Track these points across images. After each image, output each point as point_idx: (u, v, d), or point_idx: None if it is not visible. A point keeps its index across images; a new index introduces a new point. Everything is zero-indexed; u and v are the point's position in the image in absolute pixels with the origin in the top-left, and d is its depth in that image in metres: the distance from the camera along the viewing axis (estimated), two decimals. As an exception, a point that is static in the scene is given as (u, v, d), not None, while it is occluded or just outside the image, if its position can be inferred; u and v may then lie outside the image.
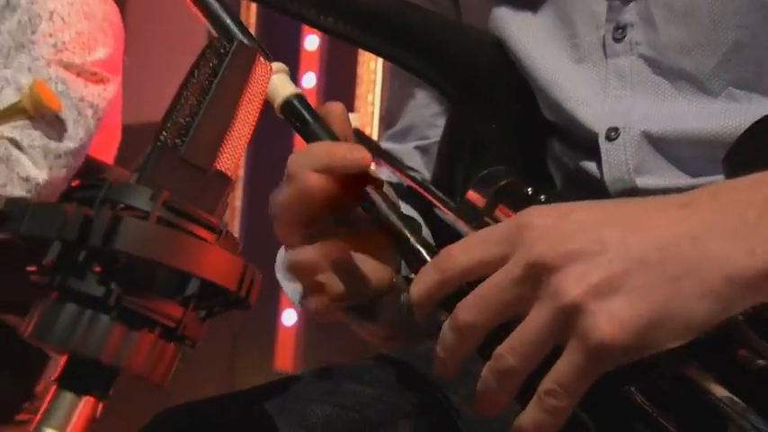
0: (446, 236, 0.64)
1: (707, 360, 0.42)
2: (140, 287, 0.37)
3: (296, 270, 0.59)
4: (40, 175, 1.06)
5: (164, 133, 0.40)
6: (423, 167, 0.84)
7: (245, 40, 0.59)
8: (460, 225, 0.62)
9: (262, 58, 0.44)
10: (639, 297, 0.38)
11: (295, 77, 2.96)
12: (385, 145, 0.88)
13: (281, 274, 0.68)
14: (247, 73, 0.42)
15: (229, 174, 0.41)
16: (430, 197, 0.66)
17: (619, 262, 0.39)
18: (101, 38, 1.18)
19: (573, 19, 0.73)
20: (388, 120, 0.91)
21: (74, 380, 0.38)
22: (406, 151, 0.85)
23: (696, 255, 0.39)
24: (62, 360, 0.38)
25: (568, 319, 0.38)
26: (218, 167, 0.41)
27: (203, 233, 0.38)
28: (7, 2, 1.15)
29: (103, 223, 0.34)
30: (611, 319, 0.37)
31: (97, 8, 1.20)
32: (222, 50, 0.42)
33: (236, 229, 3.00)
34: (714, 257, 0.38)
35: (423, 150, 0.85)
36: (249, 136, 0.42)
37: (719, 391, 0.41)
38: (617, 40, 0.70)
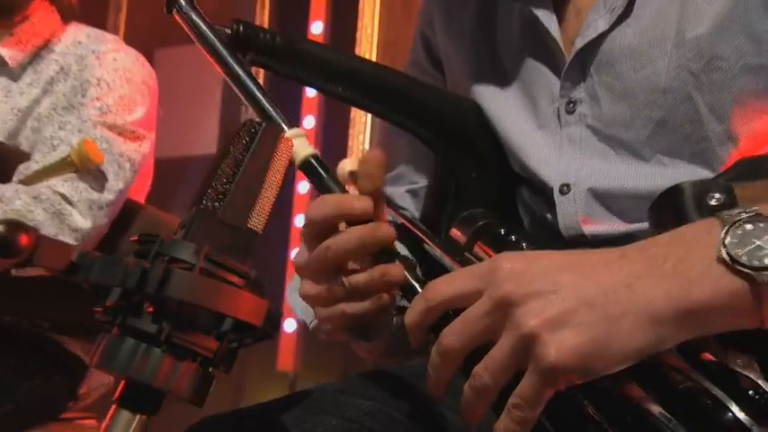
0: (432, 265, 0.68)
1: (646, 381, 0.45)
2: (185, 325, 0.41)
3: (311, 301, 0.64)
4: (86, 224, 1.10)
5: (205, 198, 0.44)
6: (413, 208, 0.87)
7: (274, 113, 0.64)
8: (445, 258, 0.64)
9: (285, 136, 0.48)
10: (584, 331, 0.41)
11: (297, 119, 3.00)
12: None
13: (293, 297, 0.71)
14: (273, 149, 0.46)
15: (258, 230, 0.45)
16: (420, 234, 0.69)
17: (569, 301, 0.42)
18: (139, 99, 1.22)
19: (534, 94, 0.77)
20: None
21: (131, 401, 0.41)
22: (398, 194, 0.89)
23: (628, 299, 0.42)
24: (121, 384, 0.41)
25: (527, 346, 0.42)
26: (249, 226, 0.45)
27: (236, 280, 0.42)
28: (61, 67, 1.20)
29: (158, 274, 0.38)
30: (559, 347, 0.41)
31: (137, 72, 1.24)
32: (253, 130, 0.46)
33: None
34: (642, 301, 0.42)
35: (413, 193, 0.87)
36: (274, 198, 0.46)
37: (655, 408, 0.44)
38: (569, 113, 0.73)
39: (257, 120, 0.47)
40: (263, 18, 3.42)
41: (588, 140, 0.72)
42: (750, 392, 0.43)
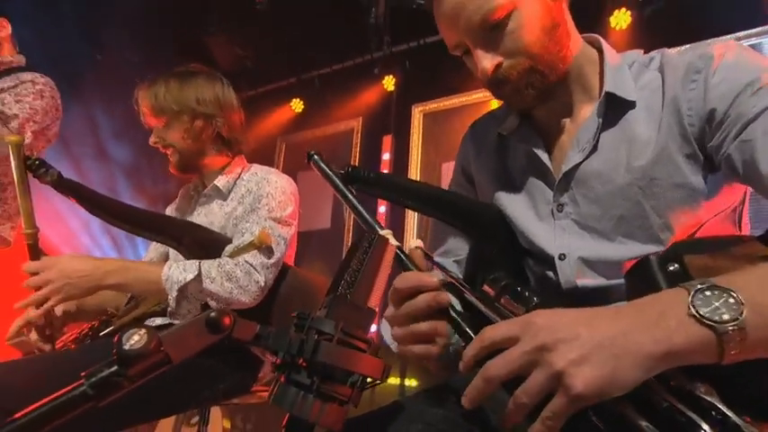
0: (472, 310, 0.65)
1: (635, 402, 0.42)
2: (329, 378, 0.39)
3: (397, 340, 0.62)
4: (262, 279, 1.13)
5: (340, 287, 0.43)
6: (457, 271, 0.85)
7: (369, 219, 0.67)
8: (481, 305, 0.62)
9: (390, 243, 0.47)
10: (599, 367, 0.40)
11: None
12: (436, 259, 0.88)
13: (384, 330, 0.69)
14: (383, 252, 0.45)
15: (375, 308, 0.44)
16: (463, 289, 0.66)
17: (587, 347, 0.41)
18: (289, 202, 1.27)
19: (536, 199, 0.77)
20: (434, 243, 0.92)
21: (293, 428, 0.40)
22: (448, 263, 0.86)
23: (627, 343, 0.41)
24: (287, 416, 0.40)
25: (558, 378, 0.40)
26: (369, 305, 0.43)
27: (362, 345, 0.40)
28: (247, 189, 1.28)
29: (311, 344, 0.37)
30: (584, 380, 0.39)
31: (287, 188, 1.29)
32: (370, 239, 0.46)
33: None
34: (636, 345, 0.40)
35: (458, 263, 0.86)
36: (384, 286, 0.45)
37: (641, 421, 0.42)
38: (559, 211, 0.73)
39: (373, 233, 0.47)
40: (356, 152, 3.62)
41: (572, 228, 0.72)
42: (713, 413, 0.41)
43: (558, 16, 0.69)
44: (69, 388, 0.37)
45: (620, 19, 2.69)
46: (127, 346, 0.35)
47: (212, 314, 0.38)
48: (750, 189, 0.68)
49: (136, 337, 0.35)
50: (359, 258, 0.45)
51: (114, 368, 0.36)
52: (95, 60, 3.61)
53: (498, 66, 0.68)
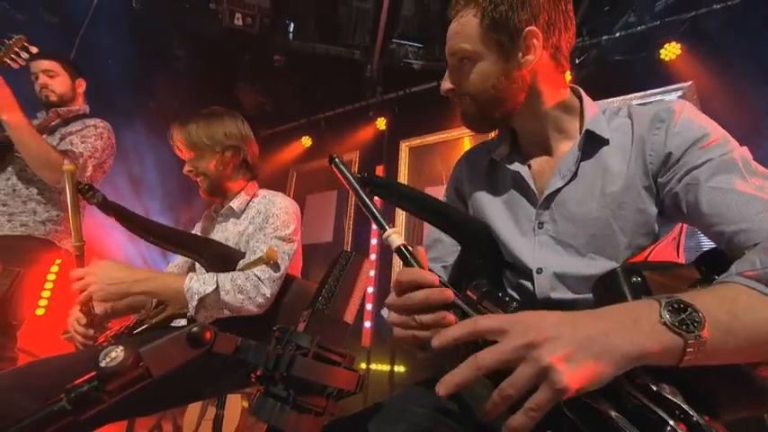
0: (456, 313, 0.58)
1: (609, 397, 0.40)
2: (305, 390, 0.33)
3: (394, 325, 0.54)
4: (268, 291, 1.06)
5: (317, 302, 0.37)
6: (444, 276, 0.79)
7: (380, 219, 0.55)
8: (465, 307, 0.56)
9: (368, 259, 0.41)
10: (581, 364, 0.37)
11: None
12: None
13: (386, 315, 0.62)
14: (359, 269, 0.40)
15: (350, 322, 0.38)
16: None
17: (570, 344, 0.38)
18: (291, 221, 1.20)
19: (519, 216, 0.71)
20: (426, 250, 0.85)
21: None
22: (437, 268, 0.81)
23: (606, 343, 0.38)
24: (265, 427, 0.34)
25: (544, 373, 0.37)
26: (345, 319, 0.37)
27: (337, 359, 0.34)
28: (257, 210, 1.22)
29: (287, 359, 0.31)
30: (567, 375, 0.36)
31: (290, 207, 1.23)
32: (347, 257, 0.40)
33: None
34: (614, 345, 0.38)
35: (445, 268, 0.80)
36: (360, 300, 0.39)
37: (614, 413, 0.39)
38: (539, 228, 0.69)
39: (349, 251, 0.41)
40: (355, 167, 3.61)
41: (550, 244, 0.68)
42: (677, 412, 0.39)
43: (518, 78, 0.68)
44: (50, 402, 0.30)
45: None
46: (103, 364, 0.29)
47: (194, 329, 0.32)
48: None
49: (113, 354, 0.29)
50: (335, 275, 0.39)
51: (94, 383, 0.29)
52: (148, 107, 3.76)
53: (450, 90, 0.72)
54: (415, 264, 0.52)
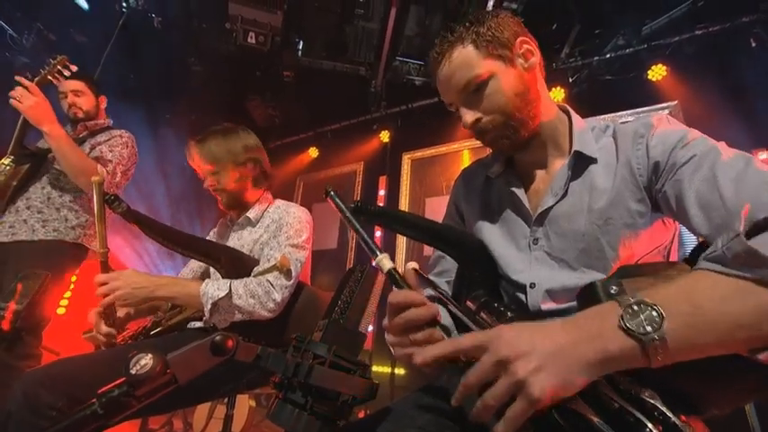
0: (456, 321, 0.60)
1: (591, 403, 0.40)
2: (321, 397, 0.33)
3: (392, 346, 0.54)
4: (279, 297, 1.05)
5: (334, 313, 0.37)
6: (447, 289, 0.79)
7: (372, 245, 0.56)
8: (464, 318, 0.57)
9: (381, 272, 0.41)
10: (552, 375, 0.38)
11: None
12: (432, 278, 0.83)
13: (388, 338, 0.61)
14: (373, 282, 0.40)
15: (365, 332, 0.38)
16: (450, 304, 0.61)
17: (543, 357, 0.39)
18: (304, 230, 1.19)
19: (514, 233, 0.72)
20: (432, 266, 0.86)
21: None
22: (441, 282, 0.80)
23: (574, 353, 0.39)
24: (269, 425, 0.34)
25: (519, 385, 0.38)
26: (360, 329, 0.37)
27: (352, 367, 0.34)
28: (272, 219, 1.22)
29: (305, 367, 0.31)
30: (540, 387, 0.37)
31: (303, 217, 1.22)
32: (362, 270, 0.40)
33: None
34: (581, 354, 0.39)
35: (449, 283, 0.80)
36: (375, 310, 0.39)
37: (596, 418, 0.39)
38: (534, 244, 0.69)
39: (364, 265, 0.41)
40: (359, 189, 3.62)
41: (545, 259, 0.68)
42: (656, 414, 0.39)
43: (530, 83, 0.68)
44: (83, 407, 0.30)
45: (556, 94, 2.96)
46: (134, 371, 0.29)
47: (217, 338, 0.32)
48: (677, 232, 0.67)
49: (143, 362, 0.29)
50: (351, 287, 0.39)
51: (124, 389, 0.30)
52: (165, 119, 3.81)
53: (478, 120, 0.68)
54: (404, 285, 0.53)
